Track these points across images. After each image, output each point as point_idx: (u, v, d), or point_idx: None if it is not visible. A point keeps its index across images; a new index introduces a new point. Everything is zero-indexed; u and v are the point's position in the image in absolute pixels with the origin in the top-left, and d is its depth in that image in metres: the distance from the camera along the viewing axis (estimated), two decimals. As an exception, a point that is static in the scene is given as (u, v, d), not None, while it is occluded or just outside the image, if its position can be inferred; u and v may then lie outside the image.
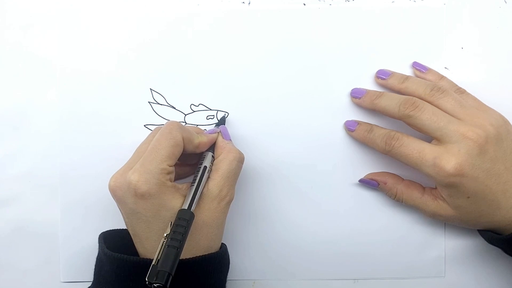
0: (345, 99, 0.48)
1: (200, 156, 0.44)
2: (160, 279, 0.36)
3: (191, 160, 0.46)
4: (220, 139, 0.45)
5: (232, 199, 0.43)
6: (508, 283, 0.49)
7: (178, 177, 0.46)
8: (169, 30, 0.48)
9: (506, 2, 0.49)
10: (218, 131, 0.46)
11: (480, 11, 0.48)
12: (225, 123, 0.48)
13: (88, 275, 0.44)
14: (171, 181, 0.41)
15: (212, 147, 0.45)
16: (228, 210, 0.43)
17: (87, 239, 0.48)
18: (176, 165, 0.42)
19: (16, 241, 0.49)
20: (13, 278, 0.49)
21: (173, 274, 0.37)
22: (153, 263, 0.37)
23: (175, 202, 0.40)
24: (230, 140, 0.46)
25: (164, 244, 0.38)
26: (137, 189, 0.39)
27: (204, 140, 0.44)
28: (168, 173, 0.41)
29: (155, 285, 0.36)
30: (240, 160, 0.44)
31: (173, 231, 0.38)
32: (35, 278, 0.49)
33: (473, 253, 0.49)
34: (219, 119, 0.48)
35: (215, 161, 0.44)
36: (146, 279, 0.36)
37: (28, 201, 0.49)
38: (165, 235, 0.38)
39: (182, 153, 0.42)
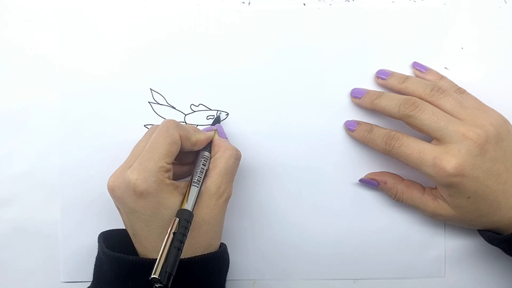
0: (345, 99, 0.48)
1: (197, 155, 0.45)
2: (162, 279, 0.36)
3: (187, 159, 0.46)
4: (216, 137, 0.45)
5: (230, 196, 0.43)
6: (508, 283, 0.49)
7: (175, 177, 0.46)
8: (169, 30, 0.48)
9: (506, 2, 0.49)
10: (215, 129, 0.46)
11: (480, 11, 0.48)
12: (224, 123, 0.48)
13: (88, 275, 0.44)
14: (169, 179, 0.41)
15: (209, 146, 0.45)
16: (227, 207, 0.43)
17: (87, 239, 0.48)
18: (172, 164, 0.42)
19: (16, 241, 0.49)
20: (13, 278, 0.49)
21: (174, 274, 0.36)
22: (157, 261, 0.37)
23: (174, 200, 0.41)
24: (226, 138, 0.46)
25: (169, 242, 0.37)
26: (136, 188, 0.39)
27: (201, 137, 0.44)
28: (166, 171, 0.41)
29: (156, 284, 0.36)
30: (237, 157, 0.44)
31: (178, 232, 0.38)
32: (35, 278, 0.49)
33: (473, 253, 0.49)
34: (215, 118, 0.48)
35: (212, 158, 0.44)
36: (151, 276, 0.36)
37: (28, 201, 0.49)
38: (169, 231, 0.38)
39: (179, 151, 0.42)
